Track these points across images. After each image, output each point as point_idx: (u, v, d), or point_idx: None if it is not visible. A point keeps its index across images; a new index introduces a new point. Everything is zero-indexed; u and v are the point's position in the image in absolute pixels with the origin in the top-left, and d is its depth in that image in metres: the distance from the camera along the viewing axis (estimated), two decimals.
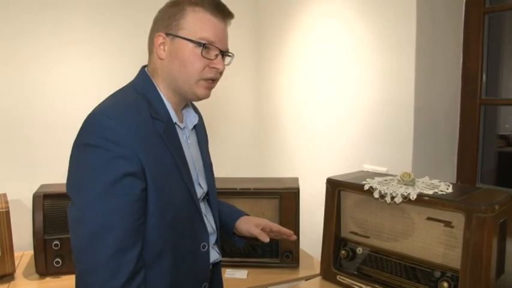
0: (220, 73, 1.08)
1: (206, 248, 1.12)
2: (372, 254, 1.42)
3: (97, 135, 0.92)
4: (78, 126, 0.97)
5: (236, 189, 1.85)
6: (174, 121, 1.07)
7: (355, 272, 1.46)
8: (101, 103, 1.01)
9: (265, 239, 1.24)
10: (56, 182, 1.83)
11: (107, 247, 0.89)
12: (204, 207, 1.17)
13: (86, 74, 2.32)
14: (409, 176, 1.38)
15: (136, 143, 0.94)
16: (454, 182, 1.83)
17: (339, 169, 1.95)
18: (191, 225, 1.07)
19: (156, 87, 1.07)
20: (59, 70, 2.25)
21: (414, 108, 1.69)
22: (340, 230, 1.52)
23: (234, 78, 2.71)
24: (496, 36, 1.79)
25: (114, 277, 0.89)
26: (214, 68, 1.06)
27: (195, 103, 1.25)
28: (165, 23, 1.04)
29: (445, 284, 1.20)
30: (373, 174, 1.57)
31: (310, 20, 2.28)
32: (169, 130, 1.04)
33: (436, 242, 1.25)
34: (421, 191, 1.28)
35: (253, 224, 1.29)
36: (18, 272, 1.81)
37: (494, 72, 1.81)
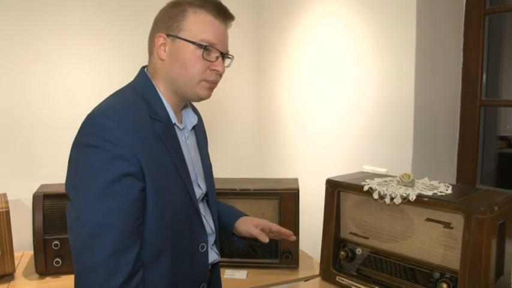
0: (220, 75, 1.09)
1: (205, 248, 1.12)
2: (371, 255, 1.42)
3: (96, 136, 0.93)
4: (79, 127, 0.97)
5: (236, 189, 1.85)
6: (173, 122, 1.07)
7: (355, 273, 1.46)
8: (101, 103, 1.01)
9: (265, 239, 1.24)
10: (56, 182, 1.83)
11: (106, 247, 0.89)
12: (202, 208, 1.17)
13: (86, 74, 2.32)
14: (409, 177, 1.38)
15: (135, 143, 0.94)
16: (454, 183, 1.83)
17: (339, 170, 1.95)
18: (190, 225, 1.07)
19: (155, 88, 1.07)
20: (60, 71, 2.26)
21: (414, 109, 1.69)
22: (339, 230, 1.52)
23: (234, 78, 2.71)
24: (496, 37, 1.79)
25: (112, 277, 0.90)
26: (214, 70, 1.06)
27: (194, 104, 1.25)
28: (166, 24, 1.04)
29: (444, 285, 1.19)
30: (372, 175, 1.57)
31: (310, 19, 2.28)
32: (168, 131, 1.04)
33: (435, 243, 1.25)
34: (421, 192, 1.28)
35: (253, 224, 1.29)
36: (18, 272, 1.81)
37: (495, 73, 1.81)
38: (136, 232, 0.95)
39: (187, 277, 1.08)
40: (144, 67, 1.12)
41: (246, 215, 1.36)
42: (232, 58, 1.11)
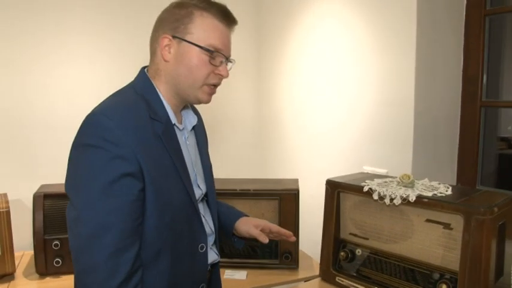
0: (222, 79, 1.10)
1: (204, 249, 1.12)
2: (371, 256, 1.42)
3: (96, 136, 0.93)
4: (79, 127, 0.97)
5: (236, 190, 1.85)
6: (173, 122, 1.07)
7: (354, 274, 1.46)
8: (100, 103, 1.01)
9: (265, 239, 1.24)
10: (56, 182, 1.84)
11: (105, 247, 0.90)
12: (202, 208, 1.17)
13: (86, 74, 2.32)
14: (409, 177, 1.38)
15: (134, 143, 0.94)
16: (454, 184, 1.83)
17: (339, 170, 1.95)
18: (189, 226, 1.07)
19: (155, 89, 1.07)
20: (60, 71, 2.26)
21: (414, 109, 1.69)
22: (339, 231, 1.52)
23: (234, 78, 2.70)
24: (496, 38, 1.78)
25: (112, 277, 0.90)
26: (218, 74, 1.07)
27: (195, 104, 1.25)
28: (171, 25, 1.04)
29: (444, 286, 1.19)
30: (372, 176, 1.57)
31: (310, 20, 2.28)
32: (168, 131, 1.04)
33: (435, 244, 1.25)
34: (420, 193, 1.28)
35: (253, 224, 1.29)
36: (19, 272, 1.81)
37: (495, 75, 1.81)
38: (136, 232, 0.95)
39: (187, 277, 1.08)
40: (144, 67, 1.12)
41: (246, 216, 1.36)
42: (233, 62, 1.12)
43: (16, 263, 1.79)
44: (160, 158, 1.00)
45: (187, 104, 1.18)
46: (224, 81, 1.12)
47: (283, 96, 2.59)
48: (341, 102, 2.08)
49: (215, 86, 1.10)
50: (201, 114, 1.30)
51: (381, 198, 1.34)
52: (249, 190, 1.84)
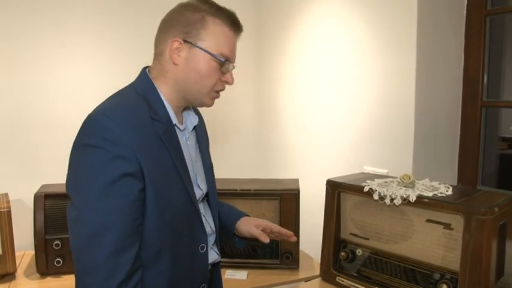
0: None
1: (205, 249, 1.12)
2: (371, 256, 1.42)
3: (96, 136, 0.93)
4: (79, 127, 0.97)
5: (236, 190, 1.85)
6: (174, 123, 1.07)
7: (355, 274, 1.46)
8: (101, 103, 1.01)
9: (266, 239, 1.24)
10: (57, 182, 1.83)
11: (105, 247, 0.90)
12: (202, 208, 1.17)
13: (86, 74, 2.33)
14: (409, 178, 1.38)
15: (135, 143, 0.94)
16: (455, 184, 1.83)
17: (340, 170, 1.95)
18: (190, 226, 1.07)
19: (156, 89, 1.07)
20: (60, 71, 2.26)
21: (415, 109, 1.69)
22: (340, 231, 1.52)
23: (235, 78, 2.71)
24: (497, 38, 1.78)
25: (112, 277, 0.90)
26: (225, 81, 1.10)
27: None
28: (183, 29, 1.04)
29: (445, 286, 1.19)
30: (373, 176, 1.57)
31: (311, 20, 2.28)
32: (169, 132, 1.04)
33: (435, 244, 1.25)
34: (421, 193, 1.27)
35: (254, 224, 1.30)
36: (20, 272, 1.82)
37: (496, 74, 1.80)
38: (136, 232, 0.95)
39: (187, 277, 1.08)
40: (145, 68, 1.12)
41: (247, 216, 1.36)
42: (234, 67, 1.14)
43: (17, 262, 1.79)
44: (161, 158, 1.00)
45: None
46: None
47: (284, 96, 2.59)
48: (341, 103, 2.08)
49: (220, 91, 1.12)
50: (201, 114, 1.30)
51: (382, 198, 1.34)
52: (250, 190, 1.85)
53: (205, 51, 1.03)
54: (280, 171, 2.65)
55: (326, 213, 1.54)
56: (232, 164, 2.71)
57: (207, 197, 1.21)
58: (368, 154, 1.93)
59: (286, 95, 2.56)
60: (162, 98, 1.07)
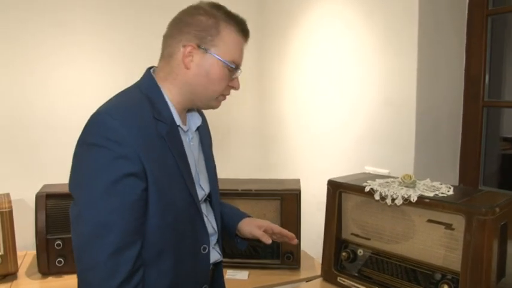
0: None
1: (207, 250, 1.12)
2: (372, 256, 1.42)
3: (99, 135, 0.93)
4: (81, 127, 0.98)
5: (238, 190, 1.85)
6: (178, 124, 1.07)
7: (356, 274, 1.46)
8: (105, 103, 1.02)
9: (268, 240, 1.24)
10: (58, 182, 1.84)
11: (106, 246, 0.90)
12: (205, 208, 1.17)
13: (87, 74, 2.33)
14: (410, 178, 1.38)
15: (138, 143, 0.94)
16: (457, 184, 1.82)
17: (341, 170, 1.94)
18: (192, 226, 1.08)
19: (160, 90, 1.07)
20: (60, 71, 2.27)
21: (416, 110, 1.69)
22: (341, 231, 1.52)
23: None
24: (499, 38, 1.78)
25: (112, 276, 0.90)
26: (232, 87, 1.12)
27: None
28: (197, 34, 1.03)
29: (446, 287, 1.19)
30: (374, 176, 1.57)
31: (313, 21, 2.28)
32: (172, 132, 1.04)
33: (436, 244, 1.25)
34: (422, 193, 1.27)
35: (256, 225, 1.29)
36: (21, 272, 1.82)
37: (498, 74, 1.80)
38: (138, 232, 0.95)
39: (189, 278, 1.08)
40: (150, 68, 1.12)
41: (249, 217, 1.36)
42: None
43: (19, 262, 1.80)
44: (164, 158, 1.00)
45: None
46: None
47: (286, 96, 2.59)
48: (343, 102, 2.08)
49: (227, 95, 1.14)
50: (204, 115, 1.30)
51: (383, 198, 1.34)
52: (251, 190, 1.84)
53: (218, 57, 1.04)
54: (281, 171, 2.65)
55: (327, 214, 1.54)
56: (233, 164, 2.71)
57: (209, 198, 1.21)
58: (369, 154, 1.93)
59: (289, 95, 2.56)
60: (167, 99, 1.07)
